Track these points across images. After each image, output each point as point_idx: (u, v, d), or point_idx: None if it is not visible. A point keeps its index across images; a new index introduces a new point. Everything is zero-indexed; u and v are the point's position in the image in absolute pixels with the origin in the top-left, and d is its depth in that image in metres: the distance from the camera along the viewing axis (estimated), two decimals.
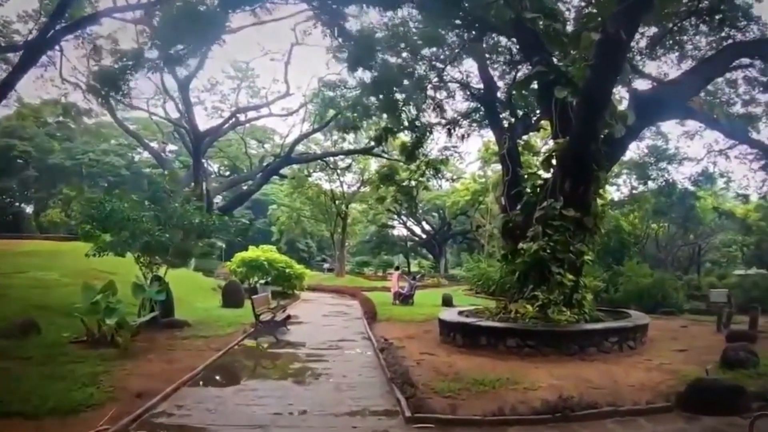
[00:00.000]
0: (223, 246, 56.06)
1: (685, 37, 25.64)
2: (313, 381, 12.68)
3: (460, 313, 19.50)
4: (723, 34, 24.47)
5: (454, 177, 60.57)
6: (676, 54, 26.44)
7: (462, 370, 12.82)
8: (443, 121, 29.47)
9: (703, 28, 24.88)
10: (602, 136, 18.84)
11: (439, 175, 37.25)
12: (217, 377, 13.14)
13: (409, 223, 74.13)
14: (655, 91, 24.15)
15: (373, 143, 42.73)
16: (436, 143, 32.92)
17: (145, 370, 12.36)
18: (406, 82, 25.37)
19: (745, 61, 25.26)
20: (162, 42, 21.52)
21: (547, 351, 14.79)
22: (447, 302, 29.48)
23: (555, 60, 20.02)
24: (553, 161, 19.34)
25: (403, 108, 27.18)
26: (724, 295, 23.95)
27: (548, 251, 17.06)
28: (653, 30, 25.17)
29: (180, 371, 12.30)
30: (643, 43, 25.66)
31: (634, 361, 14.42)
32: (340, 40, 24.13)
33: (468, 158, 58.37)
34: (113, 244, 18.40)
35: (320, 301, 34.86)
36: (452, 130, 29.43)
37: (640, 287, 28.84)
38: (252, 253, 35.50)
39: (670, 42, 25.80)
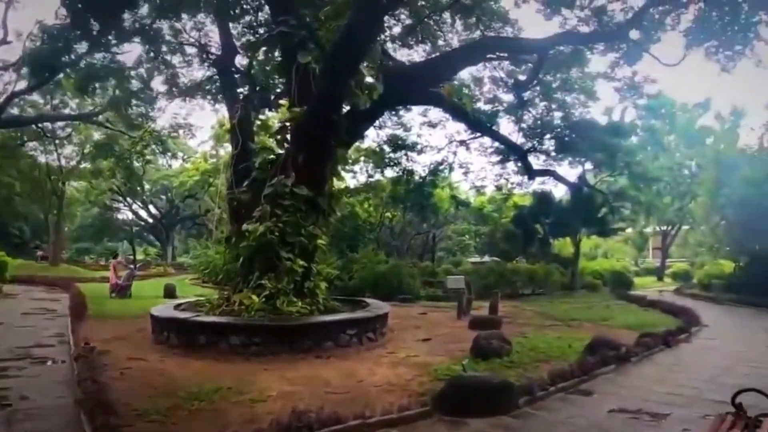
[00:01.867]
0: None
1: (439, 32, 25.94)
2: None
3: (177, 306, 16.62)
4: (477, 34, 25.03)
5: (186, 156, 56.75)
6: (428, 46, 26.39)
7: (176, 380, 10.27)
8: (175, 90, 26.75)
9: (459, 26, 25.60)
10: (345, 110, 17.28)
11: (167, 151, 34.01)
12: None
13: (134, 206, 68.48)
14: (406, 69, 23.36)
15: (97, 110, 38.27)
16: (163, 112, 29.82)
17: None
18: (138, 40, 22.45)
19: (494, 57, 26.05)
20: None
21: (277, 349, 12.69)
22: (169, 293, 26.90)
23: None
24: (288, 135, 17.39)
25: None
26: (461, 282, 23.87)
27: (277, 234, 15.01)
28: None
29: None
30: (397, 30, 25.35)
31: (376, 355, 13.05)
32: None
33: (202, 135, 54.93)
34: None
35: (25, 296, 29.31)
36: (184, 100, 26.81)
37: (375, 274, 28.49)
38: None
39: (423, 34, 25.67)
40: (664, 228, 55.12)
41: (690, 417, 8.54)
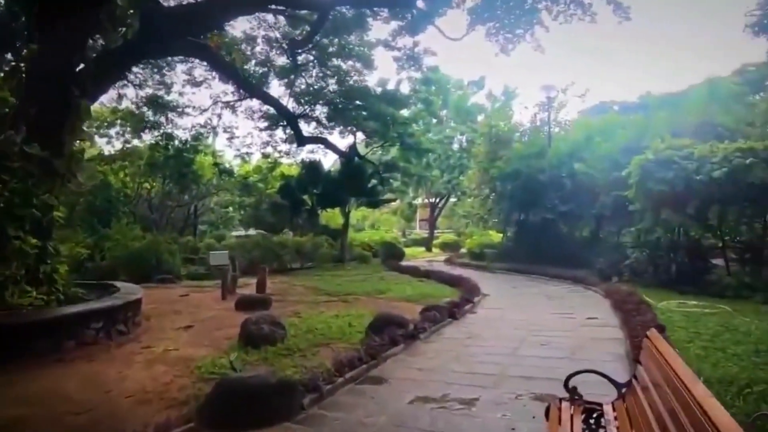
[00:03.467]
0: None
1: None
2: None
3: None
4: None
5: None
6: None
7: None
8: None
9: None
10: (93, 55, 14.60)
11: None
12: None
13: None
14: (170, 10, 20.61)
15: None
16: None
17: None
18: None
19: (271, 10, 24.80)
20: None
21: (6, 355, 9.65)
22: None
23: None
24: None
25: None
26: (225, 257, 21.92)
27: (2, 205, 11.80)
28: None
29: None
30: None
31: (129, 352, 10.74)
32: None
33: None
34: None
35: None
36: None
37: (130, 252, 25.38)
38: None
39: None
40: (432, 200, 56.83)
41: (502, 399, 7.77)
